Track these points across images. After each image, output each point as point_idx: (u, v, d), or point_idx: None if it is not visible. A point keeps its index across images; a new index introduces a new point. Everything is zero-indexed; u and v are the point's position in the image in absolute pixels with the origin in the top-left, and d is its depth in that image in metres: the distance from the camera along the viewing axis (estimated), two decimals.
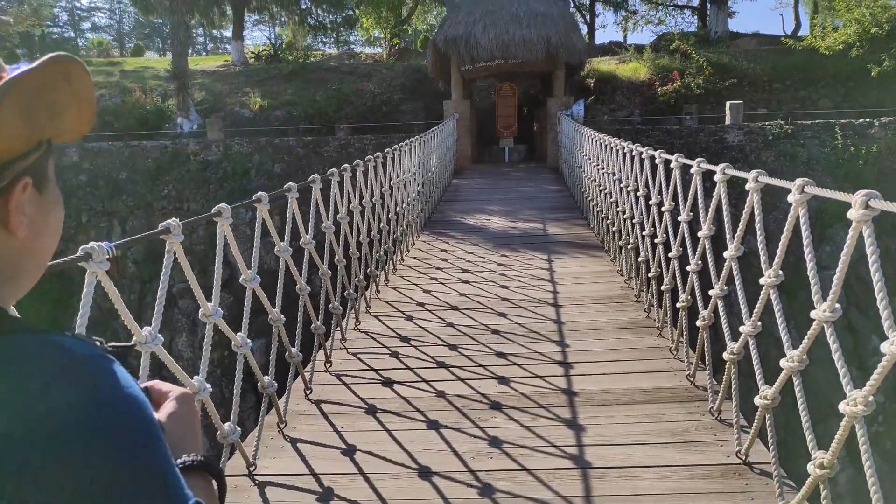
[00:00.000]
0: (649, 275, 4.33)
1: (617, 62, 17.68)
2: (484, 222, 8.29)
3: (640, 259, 4.68)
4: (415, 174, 7.36)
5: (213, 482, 0.74)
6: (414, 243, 7.07)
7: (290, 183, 3.50)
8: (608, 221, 6.15)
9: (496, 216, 8.67)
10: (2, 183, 0.56)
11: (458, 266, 6.09)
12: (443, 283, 5.54)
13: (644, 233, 4.47)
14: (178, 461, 0.70)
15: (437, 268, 6.08)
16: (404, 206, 6.63)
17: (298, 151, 13.58)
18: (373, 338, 4.28)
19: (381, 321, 4.62)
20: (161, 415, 0.76)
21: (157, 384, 0.82)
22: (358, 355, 3.97)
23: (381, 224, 5.61)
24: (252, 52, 23.22)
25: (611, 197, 6.02)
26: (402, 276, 5.82)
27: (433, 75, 15.29)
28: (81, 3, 57.01)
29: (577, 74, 15.66)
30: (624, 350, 3.84)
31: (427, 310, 4.81)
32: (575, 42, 13.57)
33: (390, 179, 6.09)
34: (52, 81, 0.58)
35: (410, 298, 5.12)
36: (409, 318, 4.62)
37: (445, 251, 6.75)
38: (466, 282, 5.54)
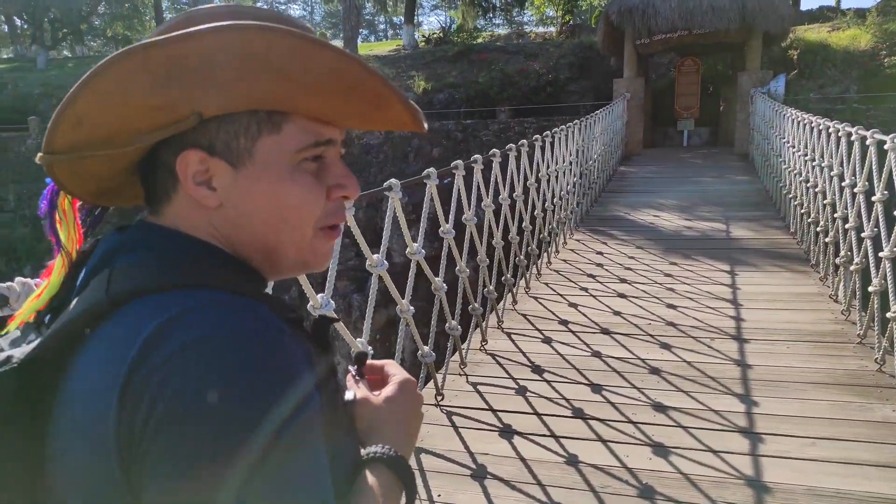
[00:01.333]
0: (888, 314, 3.09)
1: (829, 29, 14.95)
2: (652, 219, 7.13)
3: (870, 288, 3.41)
4: (571, 163, 6.44)
5: (399, 483, 0.64)
6: (566, 243, 6.18)
7: (430, 169, 3.18)
8: (818, 228, 4.78)
9: (668, 212, 7.45)
10: (124, 148, 0.57)
11: (616, 275, 5.12)
12: (594, 296, 4.63)
13: (883, 253, 3.22)
14: (369, 449, 0.65)
15: (590, 275, 5.16)
16: (555, 201, 5.76)
17: (457, 135, 13.12)
18: (498, 362, 3.54)
19: (512, 340, 3.86)
20: (378, 395, 0.71)
21: (389, 365, 0.76)
22: (477, 386, 3.25)
23: (524, 223, 4.81)
24: (424, 36, 23.27)
25: (824, 197, 4.66)
26: (546, 283, 4.99)
27: (603, 52, 13.97)
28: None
29: (776, 45, 13.41)
30: (843, 423, 2.70)
31: (570, 330, 3.96)
32: (777, 6, 11.51)
33: (538, 171, 5.26)
34: (209, 52, 0.53)
35: (552, 314, 4.29)
36: (547, 341, 3.81)
37: (602, 254, 5.78)
38: (623, 296, 4.57)
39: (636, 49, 12.36)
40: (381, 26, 54.20)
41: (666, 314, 4.13)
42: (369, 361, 0.77)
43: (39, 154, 0.59)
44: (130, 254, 0.57)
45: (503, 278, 4.32)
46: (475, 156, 3.88)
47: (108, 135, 0.57)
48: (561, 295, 4.69)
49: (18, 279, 1.23)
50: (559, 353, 3.61)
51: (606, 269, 5.29)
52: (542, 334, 3.92)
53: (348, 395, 0.70)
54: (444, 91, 15.54)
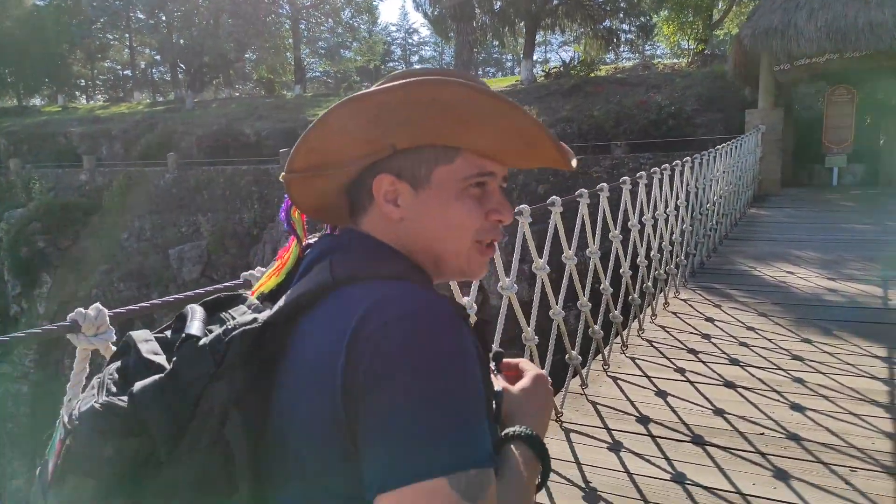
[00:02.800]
0: None
1: None
2: (784, 276, 5.83)
3: None
4: (679, 207, 5.39)
5: (536, 460, 0.76)
6: (667, 303, 5.10)
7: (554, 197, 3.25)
8: None
9: (805, 267, 6.09)
10: (341, 169, 0.79)
11: (726, 353, 4.01)
12: (690, 381, 3.59)
13: None
14: (510, 429, 0.77)
15: (692, 350, 4.10)
16: (653, 254, 4.76)
17: (565, 172, 12.23)
18: (559, 468, 2.65)
19: (581, 436, 2.96)
20: (515, 387, 0.85)
21: (523, 363, 0.91)
22: None
23: (602, 285, 3.90)
24: (544, 71, 22.67)
25: None
26: (633, 357, 4.01)
27: (735, 80, 12.53)
28: (413, 40, 64.79)
29: None
30: None
31: (650, 433, 2.98)
32: None
33: (641, 214, 4.32)
34: (405, 99, 0.73)
35: (631, 403, 3.32)
36: (616, 447, 2.86)
37: (712, 321, 4.67)
38: (732, 386, 3.49)
39: (774, 77, 10.87)
40: (508, 63, 54.39)
41: (788, 420, 3.03)
42: (506, 360, 0.92)
43: (282, 173, 0.81)
44: (343, 250, 0.78)
45: (567, 357, 3.43)
46: (552, 197, 3.25)
47: (332, 159, 0.79)
48: (647, 375, 3.70)
49: (95, 306, 1.22)
50: (627, 470, 2.67)
51: (714, 344, 4.19)
52: (611, 437, 2.98)
53: (497, 387, 0.83)
54: (556, 126, 14.72)
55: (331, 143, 0.77)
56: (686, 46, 25.39)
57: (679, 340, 4.31)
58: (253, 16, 28.73)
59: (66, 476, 0.65)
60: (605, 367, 3.82)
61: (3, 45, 29.78)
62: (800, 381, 3.51)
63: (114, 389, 0.68)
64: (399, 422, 0.61)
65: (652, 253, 4.75)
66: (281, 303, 0.73)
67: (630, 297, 4.39)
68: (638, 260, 4.64)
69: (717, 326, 4.55)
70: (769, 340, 4.18)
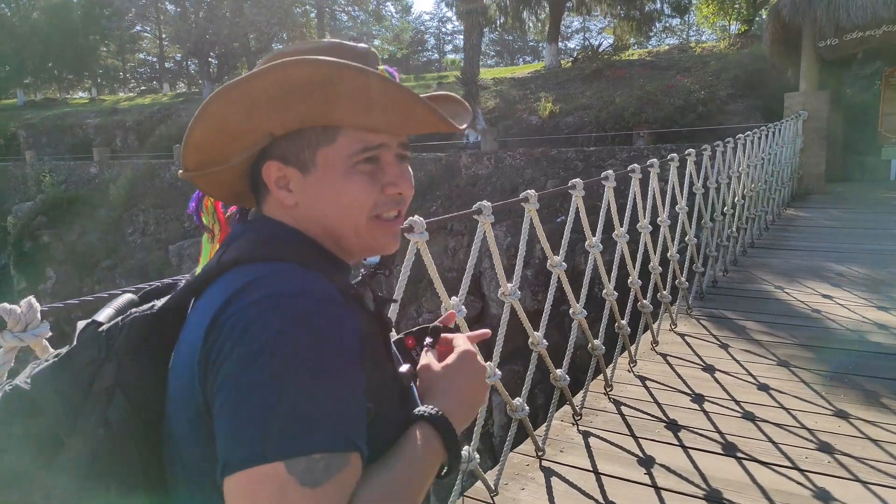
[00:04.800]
0: None
1: None
2: (819, 302, 4.53)
3: None
4: (680, 212, 4.16)
5: (440, 441, 0.72)
6: (656, 342, 3.88)
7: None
8: None
9: (848, 289, 4.78)
10: (230, 164, 0.77)
11: (718, 429, 2.80)
12: (683, 446, 2.42)
13: None
14: (418, 409, 0.73)
15: (671, 423, 2.90)
16: (633, 281, 3.56)
17: (577, 164, 10.95)
18: None
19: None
20: (438, 363, 0.81)
21: (460, 337, 0.87)
22: None
23: (571, 309, 2.75)
24: (571, 56, 21.22)
25: None
26: (616, 403, 2.85)
27: (773, 59, 10.98)
28: (447, 29, 63.47)
29: None
30: None
31: None
32: None
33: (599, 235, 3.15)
34: (269, 85, 0.70)
35: (595, 477, 2.18)
36: None
37: (710, 371, 3.44)
38: (736, 455, 2.31)
39: (818, 53, 9.36)
40: (543, 49, 52.60)
41: None
42: (444, 335, 0.88)
43: (179, 171, 0.80)
44: (241, 236, 0.77)
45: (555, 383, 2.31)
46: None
47: (219, 155, 0.77)
48: (628, 432, 2.53)
49: (27, 300, 1.13)
50: None
51: (714, 403, 2.98)
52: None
53: (402, 368, 0.77)
54: (574, 114, 13.40)
55: (213, 140, 0.75)
56: (729, 28, 23.54)
57: (669, 387, 3.11)
58: (277, 5, 27.96)
59: None
60: (576, 419, 2.66)
61: (30, 38, 29.77)
62: (836, 457, 2.30)
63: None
64: (242, 403, 0.60)
65: (630, 280, 3.55)
66: (177, 290, 0.74)
67: (617, 326, 3.32)
68: (629, 280, 3.50)
69: (716, 381, 3.32)
70: (787, 410, 2.95)
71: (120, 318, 0.72)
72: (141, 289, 0.86)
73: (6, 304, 1.10)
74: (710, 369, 3.48)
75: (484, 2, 14.34)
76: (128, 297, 0.81)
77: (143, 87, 39.76)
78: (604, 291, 3.33)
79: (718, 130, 11.15)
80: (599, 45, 21.04)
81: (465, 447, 2.16)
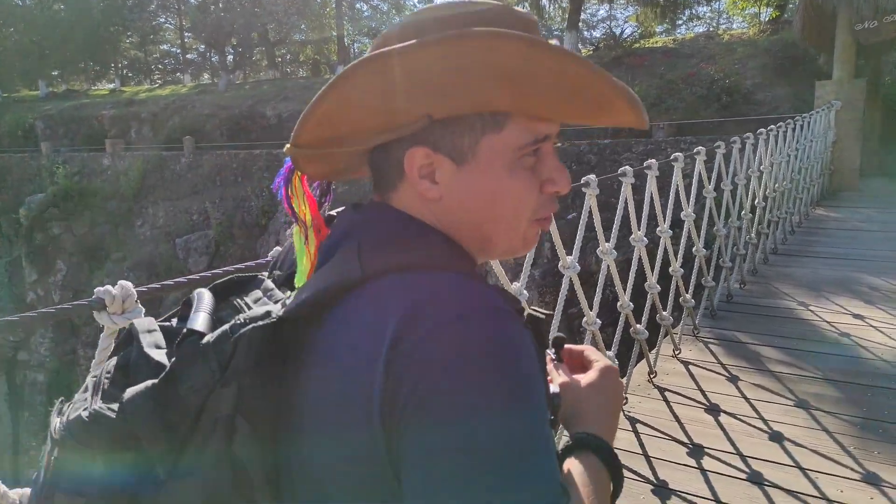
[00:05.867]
0: None
1: None
2: (848, 324, 3.91)
3: None
4: (685, 220, 3.58)
5: (606, 471, 0.65)
6: (653, 372, 3.31)
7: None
8: None
9: (883, 307, 4.14)
10: (361, 145, 0.65)
11: (735, 472, 2.25)
12: None
13: None
14: (576, 433, 0.68)
15: (657, 487, 2.35)
16: (622, 304, 3.00)
17: (590, 158, 10.31)
18: None
19: None
20: (580, 381, 0.74)
21: (589, 351, 0.80)
22: None
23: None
24: (593, 45, 20.42)
25: None
26: None
27: (804, 43, 10.17)
28: None
29: None
30: None
31: None
32: None
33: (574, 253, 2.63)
34: (441, 62, 0.58)
35: None
36: None
37: (715, 412, 2.87)
38: None
39: (855, 38, 8.57)
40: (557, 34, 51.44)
41: None
42: (567, 346, 0.80)
43: (287, 146, 0.67)
44: (370, 231, 0.64)
45: None
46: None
47: (347, 133, 0.65)
48: None
49: (120, 283, 1.10)
50: None
51: (714, 459, 2.42)
52: None
53: (553, 388, 0.71)
54: None
55: (346, 115, 0.63)
56: (759, 15, 22.48)
57: (645, 461, 2.55)
58: None
59: (54, 494, 0.57)
60: None
61: (50, 29, 29.84)
62: None
63: (109, 389, 0.60)
64: (454, 456, 0.50)
65: (620, 304, 2.99)
66: (302, 295, 0.61)
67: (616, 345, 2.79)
68: (619, 304, 2.97)
69: (720, 426, 2.75)
70: (803, 472, 2.37)
71: (227, 325, 0.58)
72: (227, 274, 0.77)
73: (106, 286, 1.05)
74: (714, 410, 2.91)
75: None
76: (210, 296, 0.70)
77: (167, 79, 39.74)
78: (619, 304, 2.94)
79: (744, 121, 10.42)
80: (622, 32, 20.20)
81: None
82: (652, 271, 3.24)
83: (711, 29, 25.67)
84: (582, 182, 2.64)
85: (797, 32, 9.73)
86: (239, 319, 0.59)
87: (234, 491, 0.55)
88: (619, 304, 3.00)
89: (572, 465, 0.63)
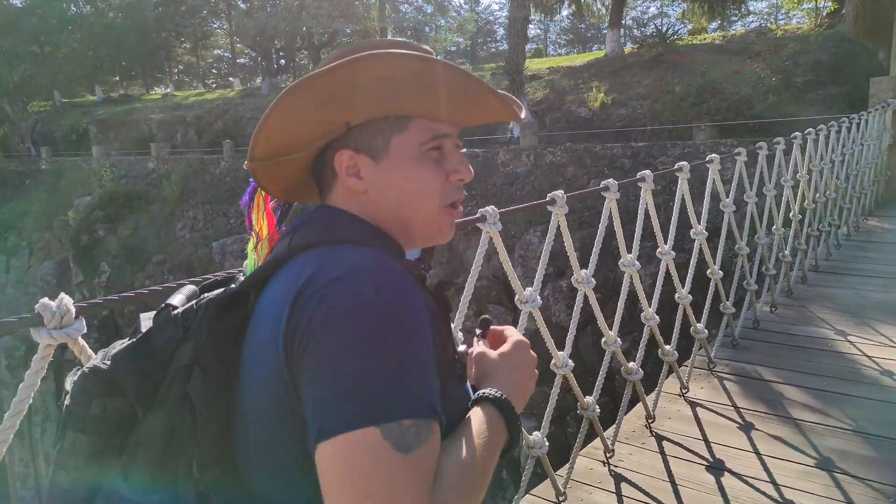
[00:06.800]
0: None
1: None
2: (892, 357, 3.38)
3: None
4: (697, 236, 3.14)
5: (503, 422, 0.75)
6: (652, 417, 2.88)
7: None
8: None
9: None
10: (301, 153, 0.81)
11: None
12: None
13: None
14: (480, 391, 0.78)
15: None
16: (644, 317, 2.60)
17: (623, 162, 9.78)
18: None
19: None
20: (494, 351, 0.85)
21: (509, 329, 0.90)
22: None
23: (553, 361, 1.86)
24: (637, 43, 19.67)
25: None
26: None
27: (858, 37, 9.38)
28: None
29: None
30: None
31: None
32: None
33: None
34: (350, 78, 0.74)
35: None
36: None
37: (723, 462, 2.44)
38: None
39: None
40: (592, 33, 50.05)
41: None
42: (493, 327, 0.91)
43: (245, 162, 0.83)
44: (307, 222, 0.80)
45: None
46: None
47: (289, 144, 0.80)
48: None
49: (60, 296, 1.10)
50: None
51: None
52: None
53: (461, 348, 0.83)
54: (627, 105, 12.14)
55: (287, 130, 0.78)
56: (818, 7, 21.24)
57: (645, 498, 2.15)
58: None
59: (65, 432, 0.73)
60: None
61: (105, 36, 30.84)
62: None
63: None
64: (335, 370, 0.62)
65: (604, 340, 2.58)
66: (253, 272, 0.78)
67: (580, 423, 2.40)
68: (603, 340, 2.59)
69: (721, 494, 2.32)
70: None
71: (193, 301, 0.77)
72: (198, 281, 0.89)
73: (45, 300, 1.08)
74: (718, 467, 2.48)
75: None
76: (192, 287, 0.85)
77: (220, 83, 40.59)
78: (603, 341, 2.61)
79: (792, 122, 9.68)
80: (667, 29, 19.38)
81: (535, 433, 2.17)
82: (649, 302, 2.82)
83: (766, 24, 24.49)
84: (601, 186, 2.49)
85: (850, 24, 8.95)
86: (203, 297, 0.77)
87: (189, 426, 0.70)
88: (603, 340, 2.60)
89: (472, 413, 0.73)
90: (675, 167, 3.07)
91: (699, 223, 3.26)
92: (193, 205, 18.28)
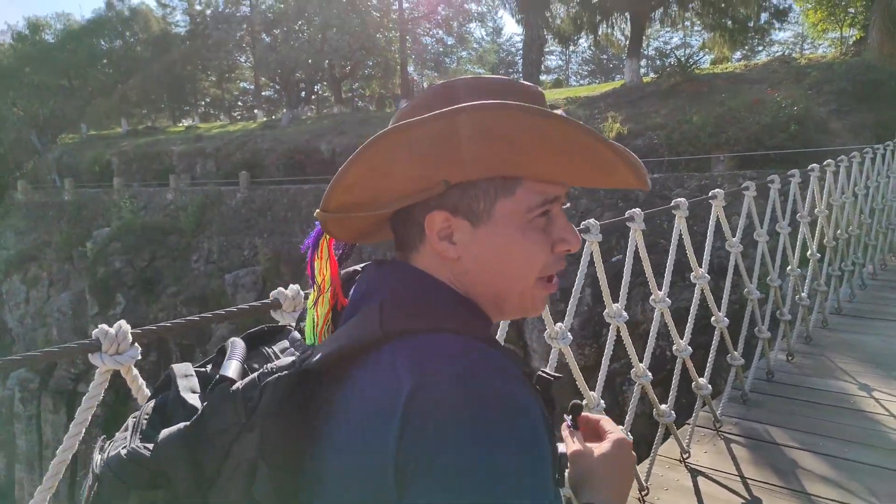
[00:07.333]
0: None
1: None
2: None
3: None
4: (700, 280, 2.81)
5: None
6: (645, 490, 2.52)
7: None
8: None
9: None
10: (384, 209, 0.70)
11: None
12: None
13: None
14: (581, 501, 0.72)
15: None
16: (635, 375, 2.27)
17: (638, 195, 9.45)
18: None
19: None
20: (593, 450, 0.77)
21: (605, 421, 0.83)
22: None
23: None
24: (656, 73, 19.46)
25: None
26: None
27: (883, 62, 9.00)
28: None
29: None
30: None
31: None
32: None
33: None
34: (454, 132, 0.63)
35: None
36: None
37: None
38: None
39: None
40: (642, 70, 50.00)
41: None
42: (584, 414, 0.82)
43: (317, 211, 0.73)
44: (394, 290, 0.68)
45: None
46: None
47: (372, 199, 0.70)
48: None
49: (118, 323, 1.13)
50: None
51: None
52: None
53: (561, 449, 0.73)
54: (644, 135, 11.83)
55: (371, 183, 0.69)
56: (842, 36, 20.87)
57: None
58: (360, 31, 27.96)
59: None
60: None
61: (130, 68, 31.63)
62: None
63: (146, 430, 0.65)
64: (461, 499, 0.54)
65: (585, 402, 2.24)
66: (325, 348, 0.65)
67: None
68: (583, 402, 2.22)
69: None
70: None
71: (256, 374, 0.63)
72: (221, 316, 0.89)
73: (104, 326, 1.08)
74: None
75: (546, 16, 13.09)
76: (243, 345, 0.74)
77: (245, 115, 41.27)
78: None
79: (815, 153, 9.27)
80: (688, 58, 19.12)
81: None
82: (641, 356, 2.49)
83: (790, 53, 24.15)
84: (626, 216, 2.37)
85: (875, 51, 8.59)
86: (266, 368, 0.64)
87: None
88: (583, 402, 2.26)
89: None
90: (673, 204, 2.76)
91: (702, 267, 2.93)
92: (209, 236, 18.31)
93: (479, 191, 0.68)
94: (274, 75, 28.12)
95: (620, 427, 2.10)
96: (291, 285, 1.24)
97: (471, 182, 0.68)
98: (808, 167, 4.10)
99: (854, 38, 17.71)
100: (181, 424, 0.61)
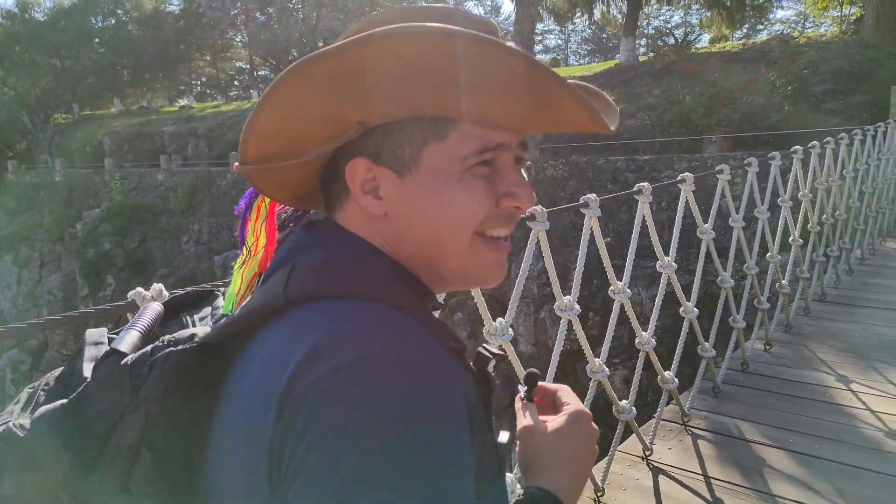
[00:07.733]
0: None
1: None
2: None
3: None
4: (667, 269, 2.66)
5: None
6: (645, 451, 2.40)
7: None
8: None
9: None
10: (302, 158, 0.61)
11: None
12: None
13: None
14: (527, 487, 0.63)
15: None
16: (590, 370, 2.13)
17: (627, 176, 9.28)
18: None
19: None
20: (545, 425, 0.68)
21: (563, 392, 0.73)
22: None
23: None
24: (652, 52, 19.13)
25: None
26: None
27: (879, 42, 8.77)
28: (537, 28, 61.61)
29: None
30: None
31: None
32: None
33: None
34: (363, 62, 0.53)
35: None
36: None
37: None
38: None
39: None
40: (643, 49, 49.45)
41: None
42: (541, 384, 0.73)
43: (236, 164, 0.64)
44: (310, 251, 0.60)
45: None
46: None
47: (289, 147, 0.61)
48: None
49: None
50: None
51: None
52: None
53: (502, 438, 0.63)
54: (636, 116, 11.62)
55: (283, 129, 0.60)
56: (843, 13, 20.49)
57: None
58: (354, 10, 27.60)
59: None
60: None
61: (123, 48, 31.18)
62: None
63: (43, 403, 0.56)
64: None
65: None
66: (228, 320, 0.58)
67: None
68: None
69: None
70: None
71: (149, 346, 0.55)
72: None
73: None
74: None
75: None
76: (155, 311, 0.65)
77: (241, 95, 40.79)
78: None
79: (809, 134, 9.08)
80: (685, 37, 18.80)
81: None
82: (596, 351, 2.35)
83: (789, 32, 23.79)
84: (580, 202, 2.18)
85: (871, 29, 8.36)
86: (162, 341, 0.56)
87: None
88: (537, 372, 2.13)
89: None
90: (635, 188, 2.61)
91: (669, 255, 2.78)
92: (199, 217, 18.14)
93: (403, 134, 0.59)
94: (267, 54, 27.74)
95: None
96: (154, 284, 1.14)
97: (394, 124, 0.59)
98: (791, 149, 3.94)
99: (854, 16, 17.37)
100: (59, 402, 0.54)
